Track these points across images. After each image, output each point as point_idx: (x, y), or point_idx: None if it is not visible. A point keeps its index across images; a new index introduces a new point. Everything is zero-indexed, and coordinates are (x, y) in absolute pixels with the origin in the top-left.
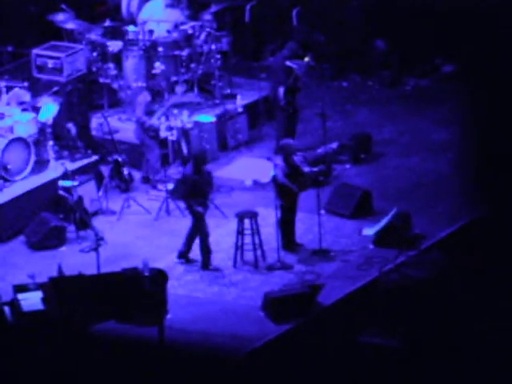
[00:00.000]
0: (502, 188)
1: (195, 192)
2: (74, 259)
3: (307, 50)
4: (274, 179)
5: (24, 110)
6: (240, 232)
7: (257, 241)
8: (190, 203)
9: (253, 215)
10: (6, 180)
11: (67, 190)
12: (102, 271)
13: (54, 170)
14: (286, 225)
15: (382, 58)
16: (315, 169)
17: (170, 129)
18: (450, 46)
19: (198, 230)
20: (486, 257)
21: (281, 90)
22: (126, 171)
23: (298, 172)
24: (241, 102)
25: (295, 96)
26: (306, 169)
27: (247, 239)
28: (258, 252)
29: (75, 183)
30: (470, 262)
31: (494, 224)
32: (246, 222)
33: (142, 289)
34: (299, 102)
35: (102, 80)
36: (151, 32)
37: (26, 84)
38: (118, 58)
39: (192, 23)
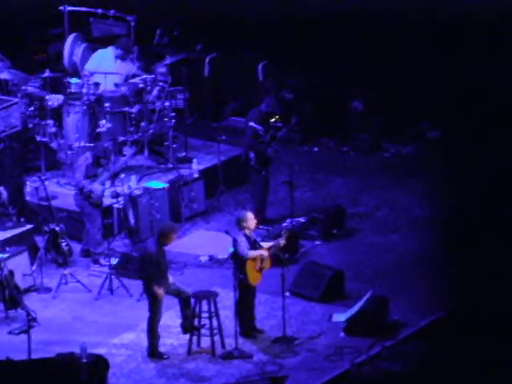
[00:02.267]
0: (485, 270)
1: (157, 272)
2: (1, 342)
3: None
4: (234, 255)
5: None
6: (197, 315)
7: (215, 325)
8: (151, 284)
9: (212, 296)
10: None
11: None
12: (33, 356)
13: None
14: (246, 308)
15: (359, 120)
16: (271, 243)
17: (115, 195)
18: (437, 109)
19: (150, 312)
20: (473, 348)
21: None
22: (64, 243)
23: (257, 248)
24: (197, 166)
25: (268, 159)
26: (265, 244)
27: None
28: (216, 338)
29: (5, 255)
30: (454, 355)
31: (478, 312)
32: (204, 303)
33: (78, 378)
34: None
35: (39, 138)
36: (96, 85)
37: None
38: (57, 114)
39: (143, 76)
